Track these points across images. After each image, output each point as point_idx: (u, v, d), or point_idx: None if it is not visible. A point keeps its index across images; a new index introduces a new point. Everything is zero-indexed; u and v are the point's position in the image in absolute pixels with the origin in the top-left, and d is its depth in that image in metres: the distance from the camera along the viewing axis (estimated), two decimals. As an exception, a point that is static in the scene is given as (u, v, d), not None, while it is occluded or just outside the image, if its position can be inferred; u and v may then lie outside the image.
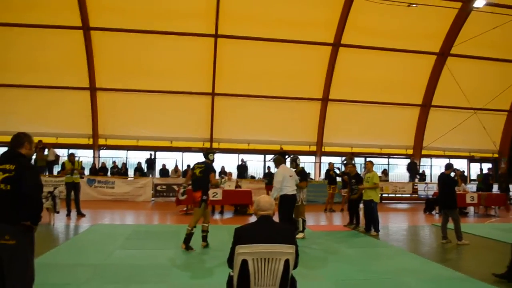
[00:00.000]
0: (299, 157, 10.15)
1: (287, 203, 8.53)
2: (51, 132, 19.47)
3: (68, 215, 12.29)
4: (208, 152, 8.38)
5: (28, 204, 3.77)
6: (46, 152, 17.94)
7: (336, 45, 19.52)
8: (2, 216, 3.75)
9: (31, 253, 3.92)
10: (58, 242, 8.58)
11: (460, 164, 23.16)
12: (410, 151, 22.76)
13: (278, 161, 8.95)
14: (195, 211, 8.01)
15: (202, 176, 7.99)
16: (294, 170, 9.39)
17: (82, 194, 13.39)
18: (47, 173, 17.66)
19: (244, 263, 3.38)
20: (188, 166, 19.53)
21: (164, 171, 19.84)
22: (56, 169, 18.19)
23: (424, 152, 22.71)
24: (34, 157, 16.72)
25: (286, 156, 9.60)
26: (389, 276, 6.37)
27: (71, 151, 17.26)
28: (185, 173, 19.21)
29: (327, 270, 6.62)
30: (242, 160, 20.88)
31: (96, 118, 19.88)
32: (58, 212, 10.99)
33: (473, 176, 23.92)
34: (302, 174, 9.63)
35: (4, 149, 4.14)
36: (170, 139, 20.75)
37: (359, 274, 6.42)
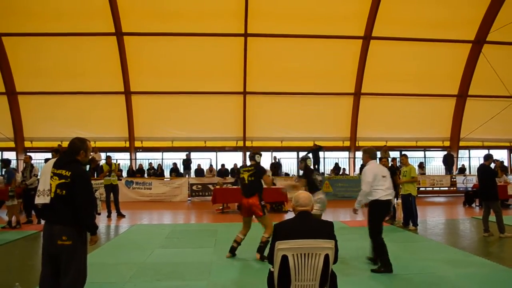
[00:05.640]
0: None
1: (379, 211, 6.39)
2: (89, 137, 19.53)
3: (109, 216, 12.69)
4: (255, 153, 7.44)
5: (80, 214, 3.92)
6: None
7: (367, 38, 19.23)
8: (59, 218, 3.89)
9: (85, 253, 4.08)
10: (101, 242, 8.82)
11: (500, 155, 22.42)
12: (447, 143, 22.17)
13: (371, 154, 6.60)
14: (262, 219, 7.22)
15: (253, 180, 7.20)
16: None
17: (121, 195, 13.74)
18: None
19: (284, 258, 3.41)
20: (223, 165, 19.76)
21: (199, 171, 20.08)
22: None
23: (461, 143, 22.06)
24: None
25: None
26: (429, 270, 6.27)
27: (109, 154, 17.77)
28: (220, 172, 19.42)
29: (366, 265, 6.56)
30: (275, 158, 20.89)
31: (131, 121, 20.34)
32: (99, 214, 11.39)
33: (514, 166, 23.10)
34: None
35: (46, 154, 4.30)
36: (204, 139, 21.00)
37: (398, 269, 6.31)
